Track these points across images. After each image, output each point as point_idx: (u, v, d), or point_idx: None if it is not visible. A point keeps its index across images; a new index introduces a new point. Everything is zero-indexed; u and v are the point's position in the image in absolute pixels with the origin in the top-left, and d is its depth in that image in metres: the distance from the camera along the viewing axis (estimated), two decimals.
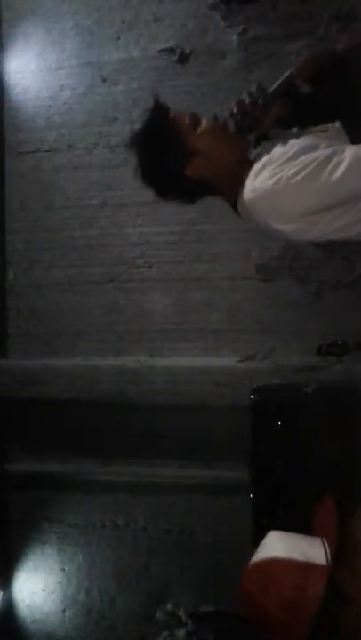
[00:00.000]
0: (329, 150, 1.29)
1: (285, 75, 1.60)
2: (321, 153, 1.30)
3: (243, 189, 1.46)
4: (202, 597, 3.28)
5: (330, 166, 1.24)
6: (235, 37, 3.11)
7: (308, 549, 1.31)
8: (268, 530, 1.44)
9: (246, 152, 1.63)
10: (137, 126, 1.70)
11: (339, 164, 1.25)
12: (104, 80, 3.31)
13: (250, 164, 1.51)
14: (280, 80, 1.59)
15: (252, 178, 1.43)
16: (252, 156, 1.59)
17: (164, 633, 3.30)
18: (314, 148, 1.35)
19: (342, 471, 2.48)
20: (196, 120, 1.59)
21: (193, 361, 3.18)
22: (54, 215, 3.39)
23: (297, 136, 1.50)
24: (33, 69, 3.38)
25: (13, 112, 3.42)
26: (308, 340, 3.06)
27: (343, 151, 1.27)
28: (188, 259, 3.25)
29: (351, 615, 1.26)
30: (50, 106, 3.38)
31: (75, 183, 3.36)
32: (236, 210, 1.57)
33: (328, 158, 1.26)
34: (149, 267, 3.29)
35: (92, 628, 3.47)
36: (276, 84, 1.60)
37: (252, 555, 1.39)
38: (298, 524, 1.39)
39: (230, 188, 1.54)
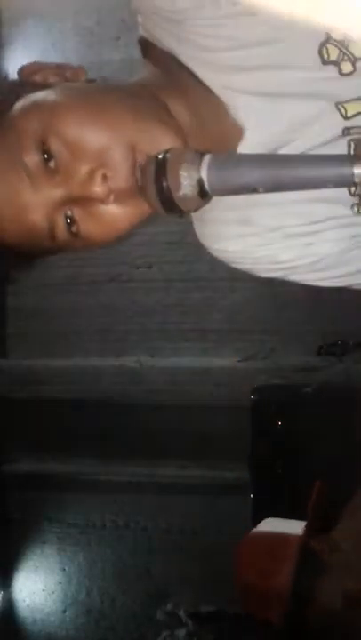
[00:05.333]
0: None
1: None
2: None
3: None
4: (202, 597, 3.27)
5: None
6: None
7: (286, 526, 1.39)
8: None
9: None
10: None
11: None
12: (104, 80, 3.30)
13: None
14: None
15: None
16: None
17: (164, 633, 3.30)
18: None
19: (342, 471, 2.48)
20: None
21: (193, 361, 3.18)
22: None
23: None
24: None
25: None
26: (308, 340, 3.06)
27: None
28: (188, 259, 3.24)
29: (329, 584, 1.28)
30: None
31: None
32: None
33: None
34: (149, 267, 3.29)
35: (92, 628, 3.47)
36: None
37: None
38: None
39: None
